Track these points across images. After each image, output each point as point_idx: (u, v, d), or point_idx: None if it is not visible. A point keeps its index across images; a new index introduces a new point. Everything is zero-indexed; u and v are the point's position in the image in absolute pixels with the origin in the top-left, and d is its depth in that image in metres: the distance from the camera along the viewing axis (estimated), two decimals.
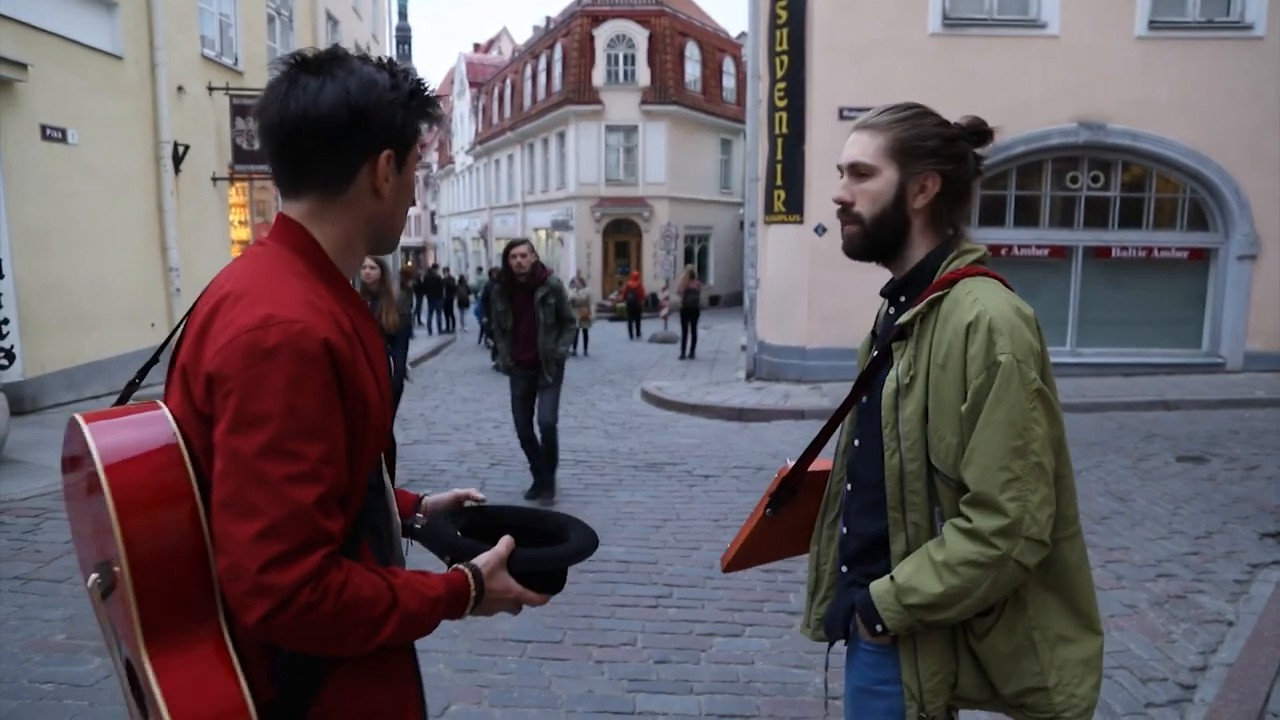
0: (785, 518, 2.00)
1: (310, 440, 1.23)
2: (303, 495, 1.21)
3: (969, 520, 1.61)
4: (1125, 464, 7.92)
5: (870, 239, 1.79)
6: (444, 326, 24.58)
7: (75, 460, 1.34)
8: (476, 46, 61.23)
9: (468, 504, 1.79)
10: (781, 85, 12.81)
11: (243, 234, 15.78)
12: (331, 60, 1.39)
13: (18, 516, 6.16)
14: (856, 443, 1.87)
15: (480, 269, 32.53)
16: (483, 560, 1.47)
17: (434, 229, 61.22)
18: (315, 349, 1.24)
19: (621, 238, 33.08)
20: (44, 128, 9.83)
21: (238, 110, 13.95)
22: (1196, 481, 7.32)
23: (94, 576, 1.31)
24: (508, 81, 41.12)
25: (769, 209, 13.23)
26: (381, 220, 1.47)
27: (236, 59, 14.97)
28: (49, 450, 7.55)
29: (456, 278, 27.61)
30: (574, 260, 31.95)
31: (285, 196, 1.44)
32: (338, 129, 1.35)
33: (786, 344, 13.13)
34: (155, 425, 1.31)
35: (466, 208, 49.97)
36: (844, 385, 12.11)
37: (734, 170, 34.43)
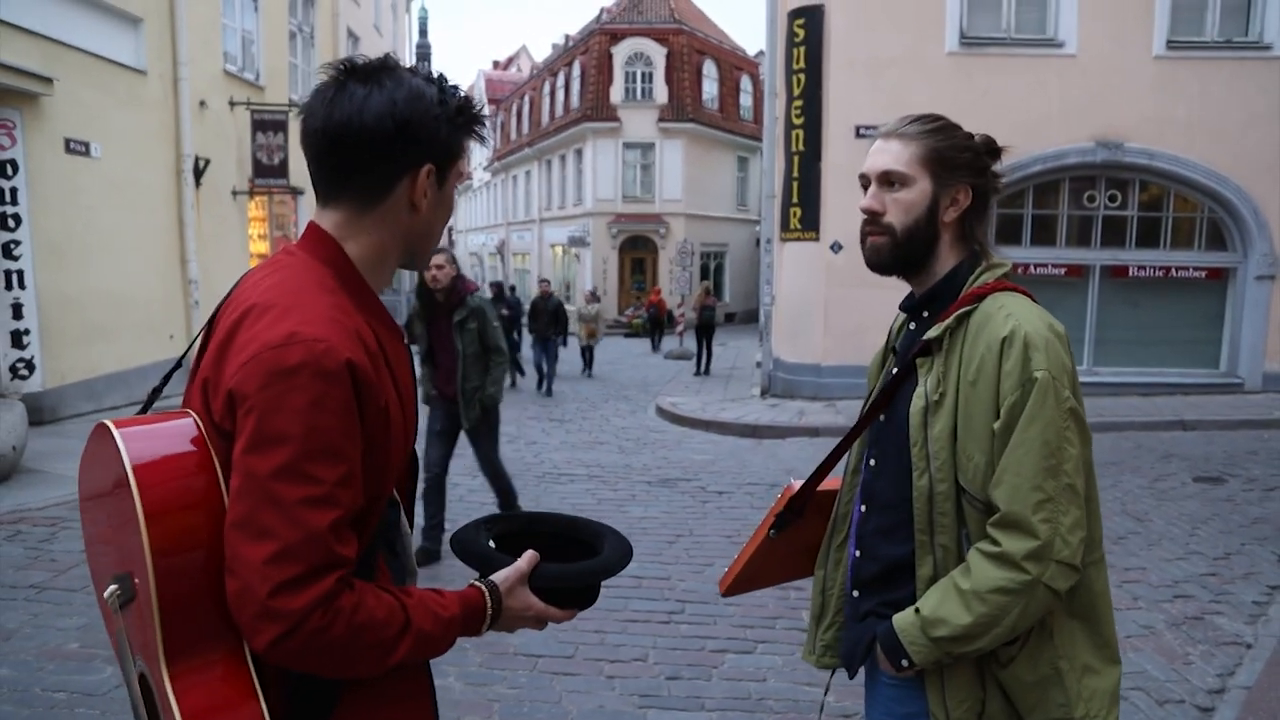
0: (789, 539, 1.93)
1: (328, 463, 1.20)
2: (317, 520, 1.18)
3: (997, 544, 1.55)
4: (1142, 484, 7.86)
5: (900, 251, 1.74)
6: None
7: (99, 466, 1.31)
8: (496, 64, 61.62)
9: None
10: (798, 103, 12.84)
11: (261, 247, 15.90)
12: (381, 70, 1.36)
13: (34, 526, 6.21)
14: (872, 462, 1.80)
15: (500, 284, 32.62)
16: (501, 576, 1.43)
17: (451, 244, 61.53)
18: (338, 369, 1.21)
19: (638, 254, 33.15)
20: (68, 141, 9.95)
21: (258, 125, 14.10)
22: (1214, 502, 7.25)
23: (113, 587, 1.27)
24: (526, 98, 41.40)
25: (785, 226, 13.23)
26: (416, 235, 1.44)
27: (258, 74, 15.13)
28: (67, 460, 7.61)
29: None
30: (590, 276, 32.03)
31: (321, 204, 1.42)
32: (382, 139, 1.33)
33: (802, 361, 13.11)
34: (186, 434, 1.28)
35: (483, 223, 50.25)
36: (859, 403, 12.13)
37: (750, 187, 34.49)
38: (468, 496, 7.42)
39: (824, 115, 12.67)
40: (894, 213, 1.73)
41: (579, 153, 33.79)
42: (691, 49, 32.48)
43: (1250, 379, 12.78)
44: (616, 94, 32.11)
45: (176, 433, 1.29)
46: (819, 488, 1.91)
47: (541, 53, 53.24)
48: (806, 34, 12.69)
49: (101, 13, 10.69)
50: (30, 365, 9.48)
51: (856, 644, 1.81)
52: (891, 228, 1.73)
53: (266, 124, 14.05)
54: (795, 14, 12.82)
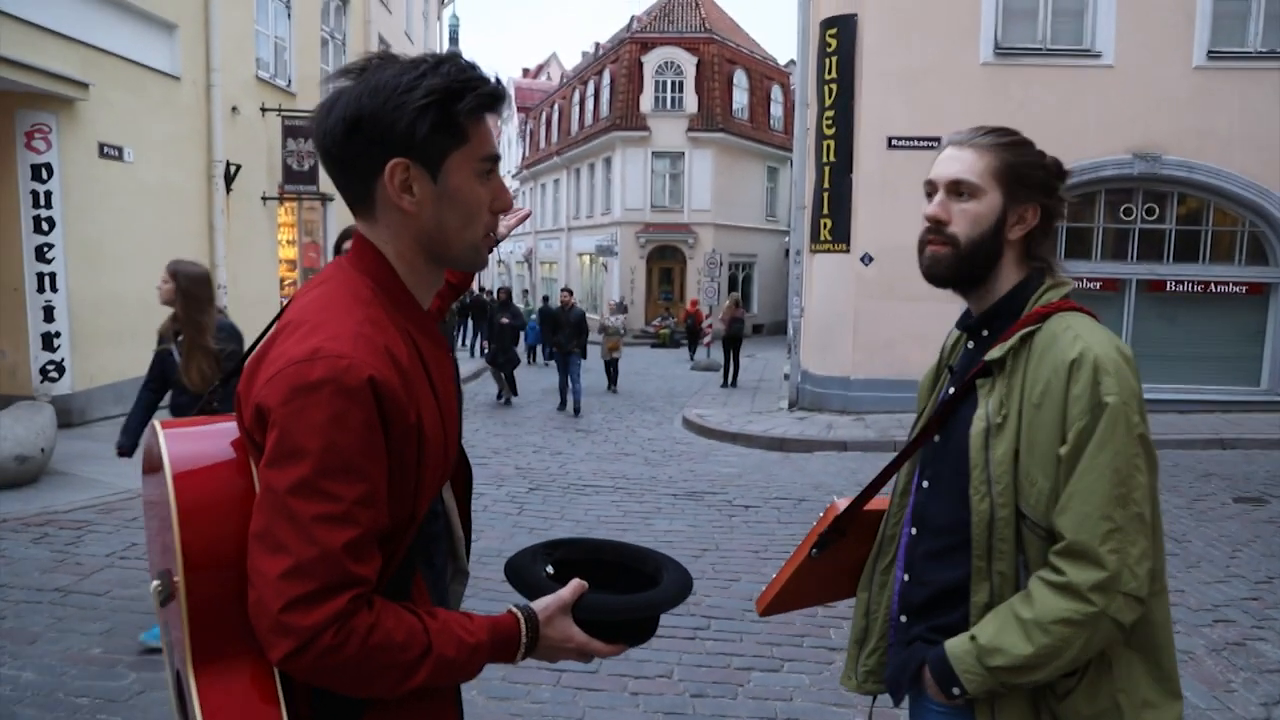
0: (830, 560, 1.86)
1: (347, 481, 1.18)
2: (331, 538, 1.16)
3: (1061, 573, 1.48)
4: (1180, 504, 7.68)
5: (962, 263, 1.67)
6: (486, 351, 24.72)
7: (149, 464, 1.36)
8: (526, 71, 62.00)
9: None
10: (830, 113, 12.75)
11: (290, 253, 16.01)
12: (366, 68, 1.29)
13: (60, 528, 6.22)
14: (925, 484, 1.75)
15: (525, 291, 32.64)
16: (542, 604, 1.38)
17: None
18: (359, 386, 1.19)
19: (666, 264, 33.12)
20: (101, 145, 10.06)
21: (289, 131, 14.20)
22: (1256, 523, 7.07)
23: (155, 584, 1.30)
24: (555, 107, 41.54)
25: (815, 237, 13.13)
26: (426, 235, 1.33)
27: (290, 81, 15.25)
28: (95, 463, 7.65)
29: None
30: (618, 286, 32.03)
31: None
32: (336, 143, 1.28)
33: (830, 374, 12.98)
34: (227, 438, 1.32)
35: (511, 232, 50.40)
36: (888, 417, 11.87)
37: (780, 198, 34.40)
38: (491, 507, 7.40)
39: (856, 126, 12.57)
40: (960, 223, 1.67)
41: (608, 161, 33.83)
42: (722, 58, 32.47)
43: None
44: (646, 103, 32.12)
45: (218, 437, 1.33)
46: (867, 509, 1.84)
47: (572, 61, 53.48)
48: (838, 44, 12.60)
49: (137, 18, 10.81)
50: (60, 368, 9.56)
51: (903, 670, 1.75)
52: (956, 238, 1.67)
53: (297, 130, 14.13)
54: (827, 24, 12.73)
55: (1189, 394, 12.67)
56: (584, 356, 14.12)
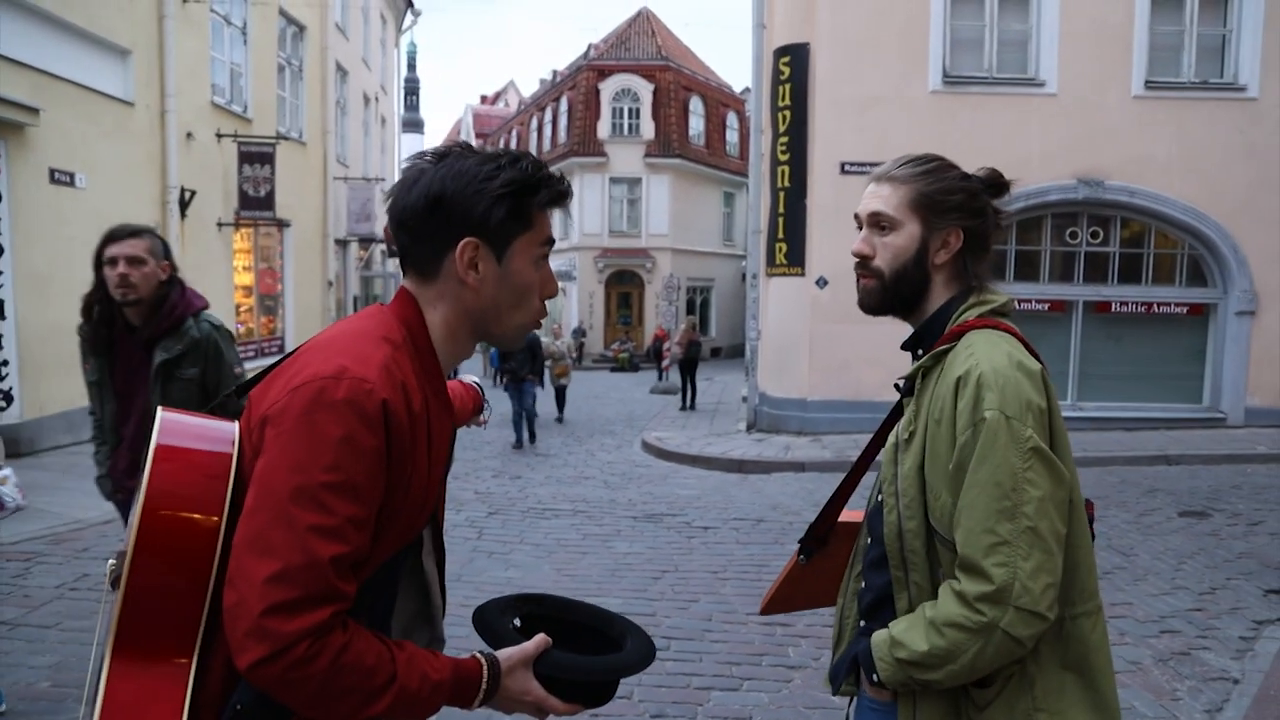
0: (820, 565, 2.00)
1: (345, 499, 1.22)
2: (322, 549, 1.19)
3: (958, 580, 1.53)
4: (1127, 518, 7.86)
5: (889, 294, 1.74)
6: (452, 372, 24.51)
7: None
8: (484, 98, 61.97)
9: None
10: (784, 139, 12.96)
11: (246, 279, 15.85)
12: (448, 154, 1.42)
13: (8, 560, 6.10)
14: (879, 497, 1.82)
15: None
16: (506, 654, 1.40)
17: None
18: (374, 412, 1.25)
19: (624, 289, 33.23)
20: (52, 171, 9.92)
21: (245, 157, 14.12)
22: (1199, 537, 7.25)
23: (111, 562, 1.32)
24: (514, 133, 41.63)
25: (770, 261, 13.30)
26: (480, 311, 1.45)
27: (246, 106, 15.17)
28: (44, 493, 7.50)
29: None
30: (576, 311, 32.05)
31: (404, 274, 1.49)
32: (416, 216, 1.38)
33: (787, 396, 13.12)
34: (220, 436, 1.34)
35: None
36: (844, 438, 11.96)
37: (736, 223, 34.71)
38: (449, 532, 7.36)
39: (809, 152, 12.79)
40: (882, 256, 1.73)
41: None
42: (678, 85, 32.81)
43: (1232, 414, 12.87)
44: (603, 129, 32.34)
45: (211, 432, 1.36)
46: (848, 519, 1.97)
47: (530, 87, 53.60)
48: (791, 71, 12.83)
49: (90, 44, 10.72)
50: (9, 396, 9.38)
51: (843, 660, 1.84)
52: (880, 271, 1.74)
53: (254, 156, 14.07)
54: (780, 52, 12.97)
55: (1135, 411, 13.01)
56: (540, 384, 13.58)
